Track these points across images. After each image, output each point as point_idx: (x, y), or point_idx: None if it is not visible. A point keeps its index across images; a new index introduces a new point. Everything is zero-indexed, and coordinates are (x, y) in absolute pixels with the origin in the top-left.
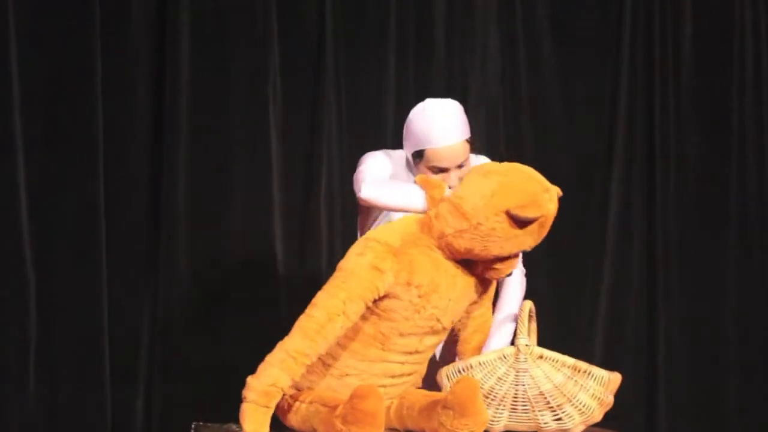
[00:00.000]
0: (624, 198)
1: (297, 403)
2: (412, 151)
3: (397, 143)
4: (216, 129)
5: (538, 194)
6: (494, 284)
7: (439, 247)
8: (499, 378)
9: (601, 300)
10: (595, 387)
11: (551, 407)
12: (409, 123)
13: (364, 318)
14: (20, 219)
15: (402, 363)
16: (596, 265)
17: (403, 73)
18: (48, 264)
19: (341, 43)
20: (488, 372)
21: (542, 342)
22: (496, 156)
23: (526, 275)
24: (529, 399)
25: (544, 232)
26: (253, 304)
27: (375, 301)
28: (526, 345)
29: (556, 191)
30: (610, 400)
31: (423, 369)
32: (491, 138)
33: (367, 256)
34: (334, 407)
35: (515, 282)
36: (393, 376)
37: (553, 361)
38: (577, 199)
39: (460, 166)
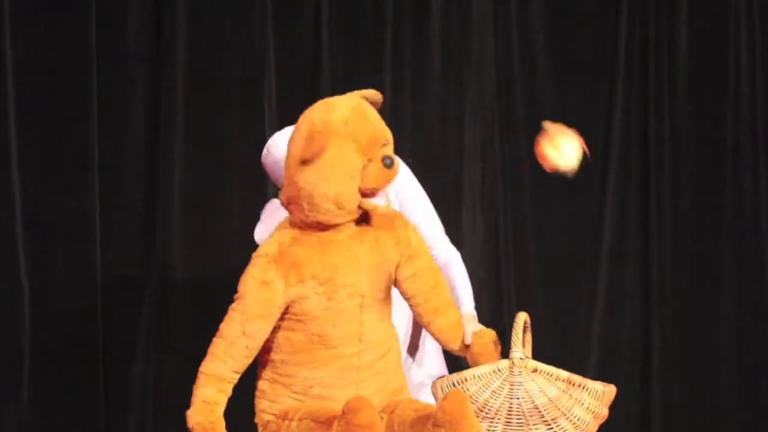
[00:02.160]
0: (619, 209)
1: (286, 422)
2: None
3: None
4: (212, 133)
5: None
6: (415, 237)
7: (319, 229)
8: (494, 391)
9: (595, 311)
10: (589, 400)
11: (546, 421)
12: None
13: (291, 329)
14: (15, 222)
15: (357, 352)
16: (591, 276)
17: (399, 84)
18: (42, 268)
19: (337, 52)
20: (483, 385)
21: (537, 354)
22: (493, 169)
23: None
24: (524, 413)
25: (360, 122)
26: None
27: (287, 312)
28: (521, 358)
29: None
30: (604, 413)
31: (396, 354)
32: (487, 152)
33: (251, 273)
34: (327, 422)
35: (456, 271)
36: (357, 370)
37: (547, 374)
38: (572, 210)
39: None
